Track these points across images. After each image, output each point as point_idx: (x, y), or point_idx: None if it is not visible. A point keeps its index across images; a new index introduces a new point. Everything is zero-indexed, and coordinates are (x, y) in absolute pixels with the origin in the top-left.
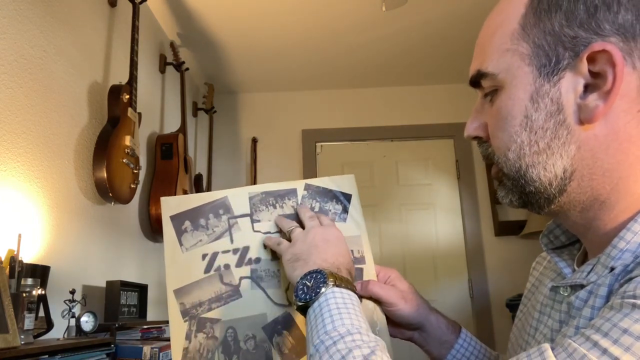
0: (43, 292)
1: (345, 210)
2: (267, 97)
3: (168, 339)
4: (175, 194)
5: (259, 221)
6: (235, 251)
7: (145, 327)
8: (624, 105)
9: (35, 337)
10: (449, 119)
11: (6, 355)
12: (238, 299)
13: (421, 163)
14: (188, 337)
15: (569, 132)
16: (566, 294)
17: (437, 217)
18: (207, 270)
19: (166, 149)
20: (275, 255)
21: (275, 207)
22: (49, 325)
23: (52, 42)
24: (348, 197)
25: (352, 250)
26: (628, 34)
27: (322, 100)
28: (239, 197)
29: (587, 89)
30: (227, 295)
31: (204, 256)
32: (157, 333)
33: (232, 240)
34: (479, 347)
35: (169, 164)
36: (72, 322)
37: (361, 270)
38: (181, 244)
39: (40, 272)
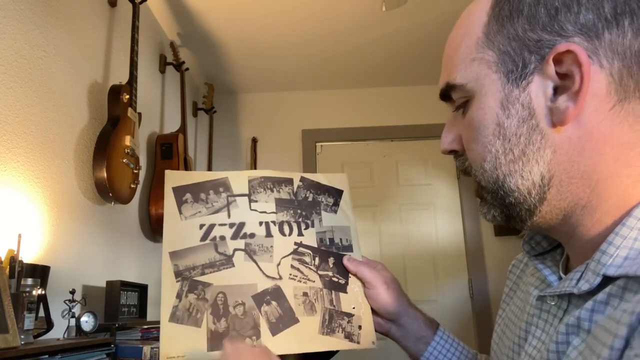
0: (43, 292)
1: (336, 203)
2: (267, 97)
3: None
4: None
5: (256, 201)
6: (231, 225)
7: (145, 327)
8: (594, 105)
9: (35, 337)
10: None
11: (6, 355)
12: (231, 267)
13: (421, 163)
14: (179, 296)
15: (542, 136)
16: (553, 303)
17: (437, 217)
18: (203, 239)
19: (166, 149)
20: (269, 233)
21: (272, 191)
22: (49, 325)
23: (52, 42)
24: (340, 192)
25: (340, 239)
26: (591, 33)
27: (322, 100)
28: (238, 179)
29: (557, 91)
30: (220, 263)
31: (201, 226)
32: (157, 333)
33: (229, 215)
34: (456, 344)
35: (169, 164)
36: (72, 322)
37: (349, 256)
38: (180, 213)
39: (40, 272)
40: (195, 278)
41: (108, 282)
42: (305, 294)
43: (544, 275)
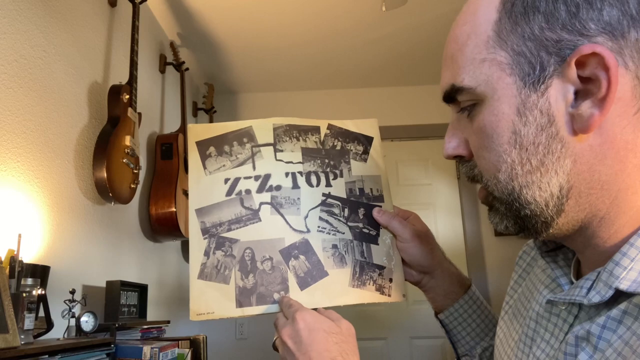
0: (43, 292)
1: (366, 151)
2: (267, 97)
3: (168, 339)
4: (175, 194)
5: (281, 151)
6: (256, 178)
7: (145, 327)
8: (618, 109)
9: (35, 337)
10: (449, 119)
11: (6, 355)
12: (257, 222)
13: (421, 163)
14: (206, 254)
15: (563, 145)
16: (564, 308)
17: (437, 217)
18: (228, 194)
19: (166, 149)
20: (296, 185)
21: (298, 140)
22: (49, 325)
23: (52, 42)
24: (369, 139)
25: (370, 189)
26: (616, 32)
27: (322, 100)
28: (263, 128)
29: (578, 95)
30: (246, 218)
31: (226, 180)
32: (157, 333)
33: (254, 167)
34: (483, 307)
35: (169, 164)
36: (72, 322)
37: (379, 208)
38: (205, 168)
39: (40, 272)
40: (222, 235)
41: (108, 282)
42: (334, 246)
43: (556, 276)
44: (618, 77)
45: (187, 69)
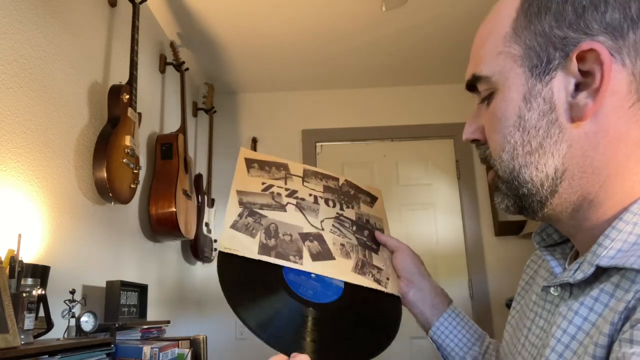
0: (43, 292)
1: (372, 202)
2: (267, 97)
3: (168, 339)
4: (175, 194)
5: (308, 182)
6: (286, 189)
7: (145, 327)
8: (614, 102)
9: (35, 337)
10: (449, 119)
11: (6, 355)
12: (283, 212)
13: (421, 163)
14: (240, 216)
15: (560, 130)
16: (556, 294)
17: (437, 217)
18: (263, 191)
19: (166, 149)
20: (316, 202)
21: (321, 180)
22: (49, 325)
23: (52, 42)
24: (375, 198)
25: (374, 223)
26: (616, 33)
27: (322, 100)
28: (295, 167)
29: (578, 87)
30: (274, 207)
31: (262, 183)
32: (157, 333)
33: (285, 183)
34: (466, 319)
35: (169, 164)
36: (72, 322)
37: (382, 230)
38: (248, 172)
39: (40, 272)
40: (254, 209)
41: (108, 282)
42: (342, 245)
43: (551, 267)
44: (611, 72)
45: (187, 69)
